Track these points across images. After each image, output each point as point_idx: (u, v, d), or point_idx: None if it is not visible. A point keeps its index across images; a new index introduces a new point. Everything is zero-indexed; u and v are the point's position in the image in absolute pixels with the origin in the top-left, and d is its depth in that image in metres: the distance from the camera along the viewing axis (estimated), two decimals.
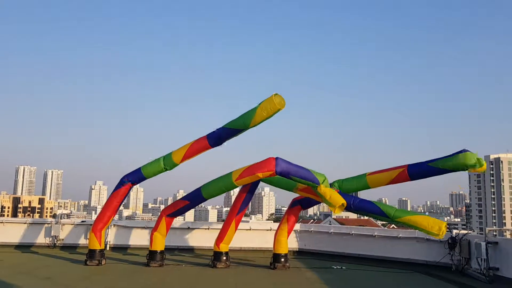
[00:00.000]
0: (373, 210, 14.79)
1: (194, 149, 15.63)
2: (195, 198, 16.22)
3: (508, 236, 20.71)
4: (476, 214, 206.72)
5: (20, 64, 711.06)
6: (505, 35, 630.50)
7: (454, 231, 16.98)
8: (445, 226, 13.71)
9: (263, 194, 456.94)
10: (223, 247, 16.61)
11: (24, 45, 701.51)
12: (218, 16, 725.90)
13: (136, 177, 16.31)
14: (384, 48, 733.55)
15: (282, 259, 16.58)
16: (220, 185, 15.53)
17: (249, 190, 16.57)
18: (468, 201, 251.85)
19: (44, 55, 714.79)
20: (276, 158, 14.42)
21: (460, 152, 13.66)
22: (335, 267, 17.16)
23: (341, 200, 13.99)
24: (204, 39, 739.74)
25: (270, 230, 19.86)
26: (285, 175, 14.49)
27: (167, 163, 15.95)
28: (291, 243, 19.50)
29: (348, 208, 14.73)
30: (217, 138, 15.30)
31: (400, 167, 14.81)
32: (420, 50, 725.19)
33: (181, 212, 16.50)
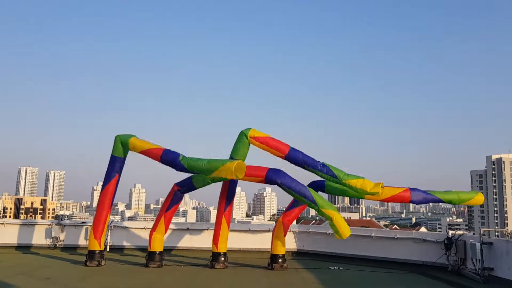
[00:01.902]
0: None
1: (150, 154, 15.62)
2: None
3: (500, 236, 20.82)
4: (478, 215, 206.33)
5: (21, 64, 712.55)
6: (505, 35, 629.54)
7: (450, 232, 17.12)
8: (349, 233, 14.20)
9: (264, 195, 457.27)
10: (221, 248, 16.78)
11: (23, 44, 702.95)
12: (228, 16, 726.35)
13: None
14: (378, 49, 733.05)
15: (280, 260, 16.72)
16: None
17: (229, 188, 16.77)
18: None
19: (43, 56, 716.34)
20: (268, 170, 14.58)
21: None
22: (332, 268, 17.29)
23: (347, 232, 14.12)
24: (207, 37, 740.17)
25: (269, 231, 19.98)
26: (274, 184, 14.73)
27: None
28: (289, 244, 19.63)
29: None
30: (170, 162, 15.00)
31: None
32: (417, 49, 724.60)
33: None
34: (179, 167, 14.71)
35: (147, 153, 15.63)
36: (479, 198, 15.68)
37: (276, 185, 14.71)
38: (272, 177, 14.50)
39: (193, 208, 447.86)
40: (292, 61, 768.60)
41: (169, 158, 14.93)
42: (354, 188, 14.69)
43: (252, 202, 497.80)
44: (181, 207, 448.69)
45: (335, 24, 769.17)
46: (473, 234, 18.34)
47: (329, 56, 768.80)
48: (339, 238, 14.15)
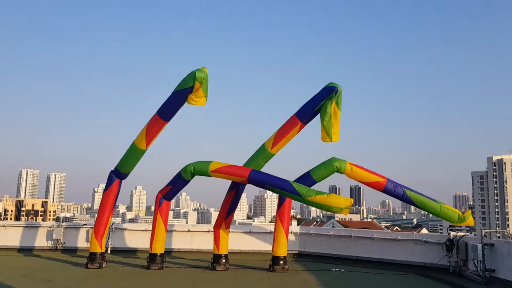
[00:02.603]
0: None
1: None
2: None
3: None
4: (479, 216, 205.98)
5: (21, 65, 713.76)
6: (507, 36, 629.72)
7: (452, 233, 17.09)
8: (351, 203, 13.65)
9: (265, 197, 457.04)
10: (223, 250, 16.79)
11: (21, 44, 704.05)
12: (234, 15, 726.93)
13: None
14: (379, 49, 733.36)
15: (281, 262, 16.71)
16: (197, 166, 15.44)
17: (235, 194, 16.70)
18: (471, 202, 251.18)
19: (43, 56, 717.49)
20: (251, 171, 14.68)
21: None
22: (334, 270, 17.28)
23: (343, 202, 13.48)
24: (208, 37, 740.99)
25: (270, 233, 19.96)
26: (258, 185, 14.86)
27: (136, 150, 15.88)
28: (291, 245, 19.61)
29: (258, 184, 14.83)
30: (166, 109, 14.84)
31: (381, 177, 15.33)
32: (419, 50, 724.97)
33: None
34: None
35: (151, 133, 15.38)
36: (460, 219, 15.10)
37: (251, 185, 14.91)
38: (254, 176, 14.57)
39: (194, 210, 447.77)
40: (292, 61, 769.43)
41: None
42: (317, 205, 13.96)
43: (253, 203, 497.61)
44: (182, 208, 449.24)
45: (334, 24, 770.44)
46: (475, 235, 18.30)
47: (330, 56, 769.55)
48: (343, 212, 13.64)
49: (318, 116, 14.97)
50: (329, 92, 14.56)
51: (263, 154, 15.93)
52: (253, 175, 14.67)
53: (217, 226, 16.98)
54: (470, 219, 15.17)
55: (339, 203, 13.42)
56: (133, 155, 15.92)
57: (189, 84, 13.70)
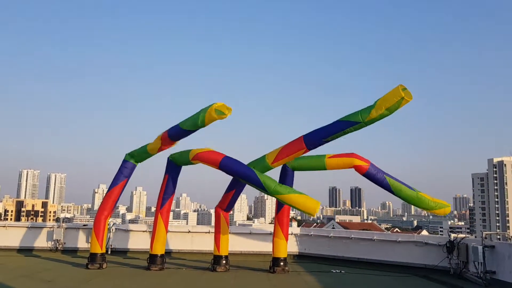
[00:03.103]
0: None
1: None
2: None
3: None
4: (479, 218, 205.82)
5: (20, 66, 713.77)
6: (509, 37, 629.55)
7: (452, 235, 17.09)
8: (318, 207, 13.21)
9: (265, 198, 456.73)
10: (223, 251, 16.79)
11: (22, 45, 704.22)
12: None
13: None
14: (379, 49, 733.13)
15: (281, 263, 16.69)
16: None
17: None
18: (471, 204, 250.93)
19: (43, 57, 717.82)
20: (224, 157, 14.61)
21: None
22: (334, 271, 17.27)
23: (312, 205, 13.12)
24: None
25: (271, 234, 19.94)
26: (228, 172, 14.72)
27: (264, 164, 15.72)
28: (291, 247, 19.62)
29: (228, 171, 14.61)
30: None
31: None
32: (418, 51, 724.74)
33: None
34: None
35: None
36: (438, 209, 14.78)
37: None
38: (226, 163, 14.49)
39: (194, 211, 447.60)
40: (291, 61, 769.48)
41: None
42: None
43: (253, 205, 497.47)
44: (182, 209, 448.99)
45: (334, 24, 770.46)
46: (475, 237, 18.28)
47: (331, 56, 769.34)
48: (309, 215, 13.45)
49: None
50: (344, 128, 13.49)
51: (262, 165, 15.57)
52: (225, 161, 14.51)
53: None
54: (447, 209, 14.84)
55: (308, 206, 13.11)
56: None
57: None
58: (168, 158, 16.65)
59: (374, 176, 14.96)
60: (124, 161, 17.21)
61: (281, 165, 15.99)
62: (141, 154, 17.06)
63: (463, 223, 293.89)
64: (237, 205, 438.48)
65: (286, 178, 16.36)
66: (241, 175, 14.34)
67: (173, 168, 16.65)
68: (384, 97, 12.84)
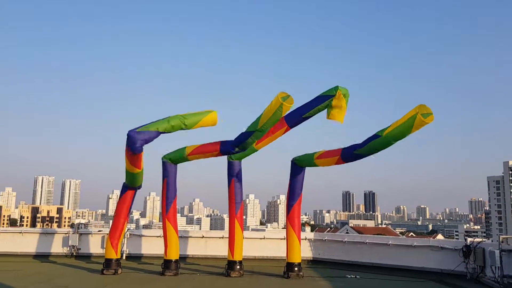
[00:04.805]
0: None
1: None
2: None
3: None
4: (496, 222, 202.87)
5: (34, 72, 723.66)
6: None
7: (469, 239, 16.86)
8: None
9: (278, 202, 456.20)
10: (237, 256, 16.79)
11: (34, 49, 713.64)
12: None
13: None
14: (398, 48, 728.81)
15: (296, 268, 16.61)
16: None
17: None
18: (487, 208, 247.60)
19: (57, 61, 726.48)
20: (220, 143, 15.39)
21: None
22: (349, 276, 17.13)
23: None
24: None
25: (284, 239, 19.89)
26: (227, 153, 15.77)
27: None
28: (305, 252, 19.54)
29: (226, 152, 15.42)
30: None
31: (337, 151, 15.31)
32: (435, 52, 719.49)
33: None
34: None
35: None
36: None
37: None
38: (226, 147, 15.25)
39: (207, 216, 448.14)
40: (291, 61, 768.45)
41: None
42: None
43: (266, 209, 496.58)
44: (195, 214, 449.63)
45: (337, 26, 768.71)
46: (492, 241, 18.01)
47: (345, 61, 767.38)
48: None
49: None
50: (323, 101, 14.24)
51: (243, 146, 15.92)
52: (223, 147, 15.35)
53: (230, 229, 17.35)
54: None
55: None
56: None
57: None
58: (162, 159, 16.90)
59: (348, 159, 15.08)
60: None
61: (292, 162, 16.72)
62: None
63: (479, 227, 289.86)
64: (250, 210, 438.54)
65: (296, 175, 16.78)
66: (242, 138, 14.80)
67: (171, 168, 16.88)
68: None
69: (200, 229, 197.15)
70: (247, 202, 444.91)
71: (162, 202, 17.09)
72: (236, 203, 17.32)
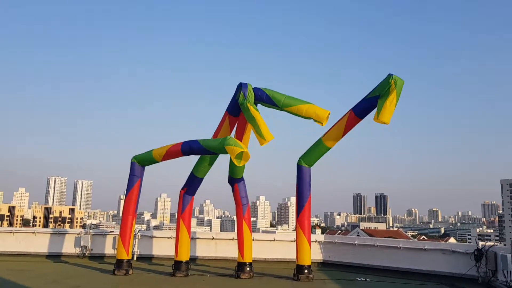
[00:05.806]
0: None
1: (170, 152, 16.12)
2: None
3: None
4: (509, 225, 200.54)
5: (45, 74, 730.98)
6: None
7: (480, 243, 16.73)
8: (328, 115, 13.89)
9: (289, 204, 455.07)
10: (247, 258, 16.84)
11: (40, 50, 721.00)
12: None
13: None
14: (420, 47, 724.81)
15: (306, 271, 16.57)
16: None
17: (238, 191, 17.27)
18: (500, 211, 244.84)
19: (67, 62, 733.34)
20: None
21: None
22: (360, 279, 17.09)
23: (321, 113, 14.01)
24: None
25: (294, 241, 19.88)
26: (188, 153, 15.58)
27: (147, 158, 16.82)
28: (316, 254, 19.53)
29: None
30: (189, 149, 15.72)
31: (347, 113, 15.37)
32: (448, 55, 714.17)
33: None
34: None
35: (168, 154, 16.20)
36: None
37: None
38: (183, 147, 15.39)
39: (218, 218, 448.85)
40: (290, 61, 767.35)
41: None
42: (295, 114, 14.58)
43: (276, 211, 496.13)
44: (206, 216, 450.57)
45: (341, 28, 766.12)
46: (504, 245, 17.84)
47: (357, 64, 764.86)
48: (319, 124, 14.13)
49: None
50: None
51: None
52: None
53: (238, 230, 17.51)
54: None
55: (318, 114, 14.03)
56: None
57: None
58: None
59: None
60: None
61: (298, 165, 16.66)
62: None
63: (492, 230, 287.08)
64: (260, 212, 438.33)
65: (302, 176, 16.72)
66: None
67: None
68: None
69: (210, 230, 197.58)
70: (258, 204, 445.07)
71: (179, 202, 17.26)
72: (242, 205, 17.38)
